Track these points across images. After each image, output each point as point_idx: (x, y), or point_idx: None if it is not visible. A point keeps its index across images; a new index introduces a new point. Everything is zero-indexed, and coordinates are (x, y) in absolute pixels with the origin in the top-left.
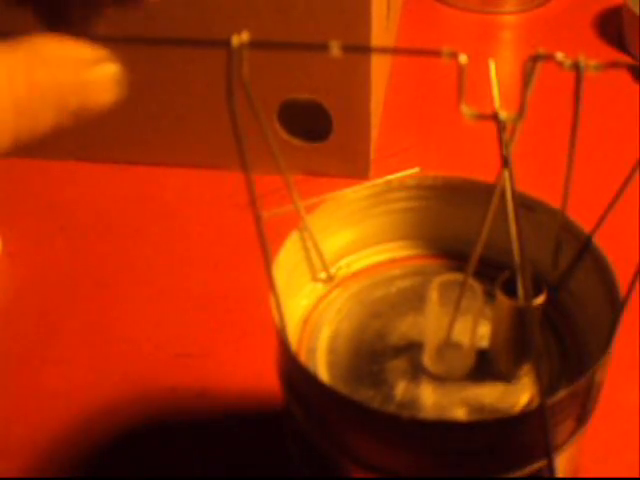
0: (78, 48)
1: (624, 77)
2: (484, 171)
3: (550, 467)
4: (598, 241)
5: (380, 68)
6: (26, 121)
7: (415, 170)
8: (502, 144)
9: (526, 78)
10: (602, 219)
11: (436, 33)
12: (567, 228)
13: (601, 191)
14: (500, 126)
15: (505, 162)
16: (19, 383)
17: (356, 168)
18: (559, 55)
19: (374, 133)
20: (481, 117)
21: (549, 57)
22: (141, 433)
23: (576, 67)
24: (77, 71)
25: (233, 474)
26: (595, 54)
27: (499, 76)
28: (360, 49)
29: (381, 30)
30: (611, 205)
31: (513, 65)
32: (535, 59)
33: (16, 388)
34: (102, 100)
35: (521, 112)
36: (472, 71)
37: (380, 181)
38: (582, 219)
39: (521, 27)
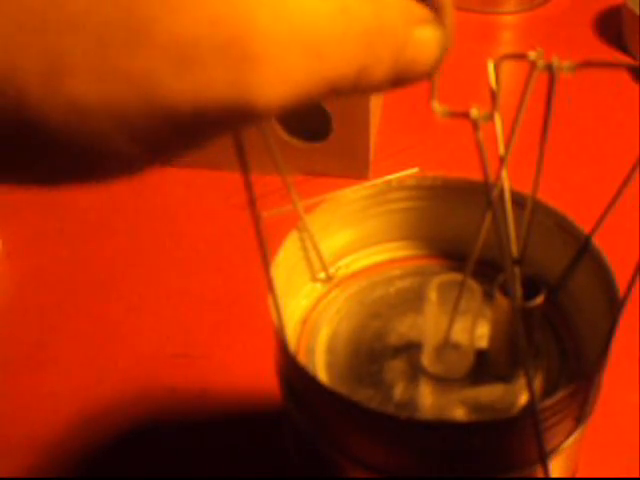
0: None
1: (624, 77)
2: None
3: (544, 469)
4: (597, 241)
5: None
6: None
7: (414, 170)
8: (478, 142)
9: (496, 78)
10: (601, 219)
11: None
12: (566, 228)
13: (600, 191)
14: (473, 124)
15: (502, 162)
16: (19, 383)
17: (355, 168)
18: (532, 54)
19: (373, 133)
20: (452, 115)
21: (521, 57)
22: (141, 433)
23: (549, 68)
24: (405, 21)
25: (233, 474)
26: (595, 54)
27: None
28: None
29: None
30: (610, 205)
31: (513, 65)
32: (502, 59)
33: (16, 388)
34: (420, 66)
35: (492, 111)
36: (471, 71)
37: (379, 181)
38: (581, 219)
39: (521, 27)
